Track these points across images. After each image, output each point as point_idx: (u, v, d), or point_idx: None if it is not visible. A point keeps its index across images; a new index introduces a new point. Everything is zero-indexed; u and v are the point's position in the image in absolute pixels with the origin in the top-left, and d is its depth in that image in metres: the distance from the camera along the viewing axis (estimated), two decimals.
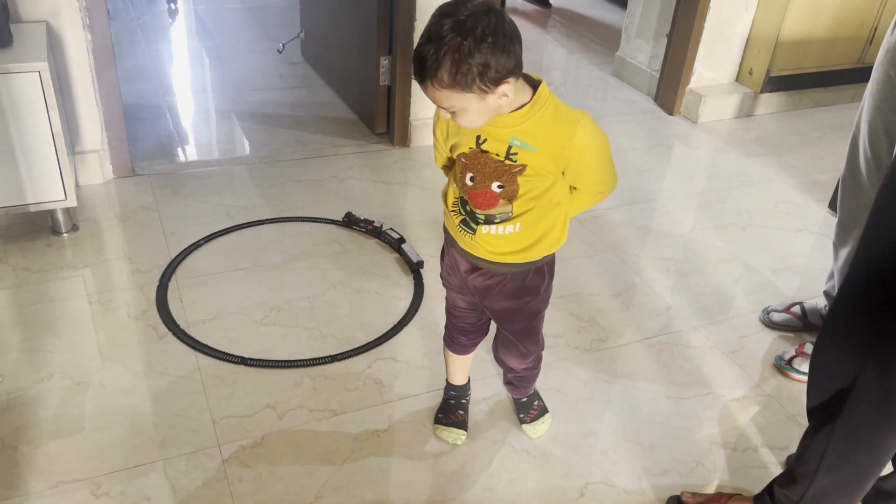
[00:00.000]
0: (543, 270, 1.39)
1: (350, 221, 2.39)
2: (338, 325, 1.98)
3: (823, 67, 3.50)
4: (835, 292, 1.99)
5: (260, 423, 1.67)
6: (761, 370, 1.95)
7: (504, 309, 1.44)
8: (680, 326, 2.08)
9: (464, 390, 1.71)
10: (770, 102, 3.50)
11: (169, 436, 1.61)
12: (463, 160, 1.27)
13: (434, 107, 1.19)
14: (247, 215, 2.41)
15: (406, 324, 2.00)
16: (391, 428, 1.69)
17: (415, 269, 2.20)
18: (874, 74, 1.75)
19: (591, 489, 1.58)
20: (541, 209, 1.27)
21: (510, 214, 1.28)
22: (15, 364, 1.77)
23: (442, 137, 1.32)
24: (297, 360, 1.84)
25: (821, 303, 2.07)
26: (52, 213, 2.20)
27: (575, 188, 1.30)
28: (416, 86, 1.15)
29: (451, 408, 1.69)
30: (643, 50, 3.64)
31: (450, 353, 1.63)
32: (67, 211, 2.22)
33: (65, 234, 2.23)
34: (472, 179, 1.27)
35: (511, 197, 1.25)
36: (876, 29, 3.46)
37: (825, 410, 1.26)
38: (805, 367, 1.90)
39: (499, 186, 1.24)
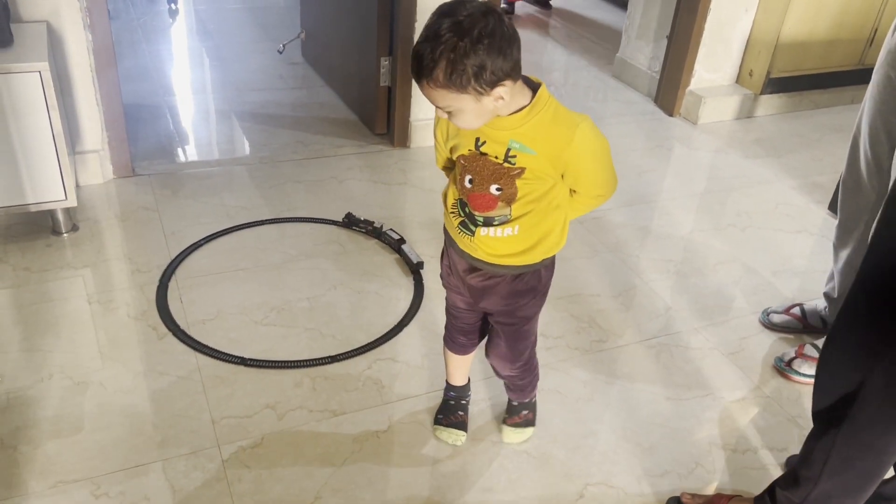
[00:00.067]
0: (541, 273, 1.39)
1: (350, 222, 2.39)
2: (338, 325, 1.98)
3: (823, 69, 3.50)
4: (835, 294, 1.99)
5: (260, 423, 1.67)
6: (761, 372, 1.95)
7: (497, 309, 1.44)
8: (680, 328, 2.08)
9: (464, 391, 1.71)
10: (770, 104, 3.50)
11: (168, 436, 1.61)
12: (462, 162, 1.27)
13: (434, 108, 1.20)
14: (247, 215, 2.41)
15: (406, 324, 2.00)
16: (391, 429, 1.69)
17: (415, 269, 2.20)
18: (875, 76, 1.75)
19: (591, 490, 1.58)
20: (540, 212, 1.27)
21: (509, 217, 1.28)
22: (15, 364, 1.77)
23: (442, 139, 1.32)
24: (297, 361, 1.84)
25: (820, 304, 2.07)
26: (52, 213, 2.20)
27: (575, 191, 1.30)
28: (416, 87, 1.15)
29: (451, 408, 1.69)
30: (643, 51, 3.64)
31: (450, 354, 1.63)
32: (67, 211, 2.22)
33: (65, 234, 2.23)
34: (470, 181, 1.27)
35: (510, 199, 1.25)
36: (876, 31, 3.46)
37: (831, 414, 1.26)
38: (805, 369, 1.90)
39: (497, 189, 1.24)
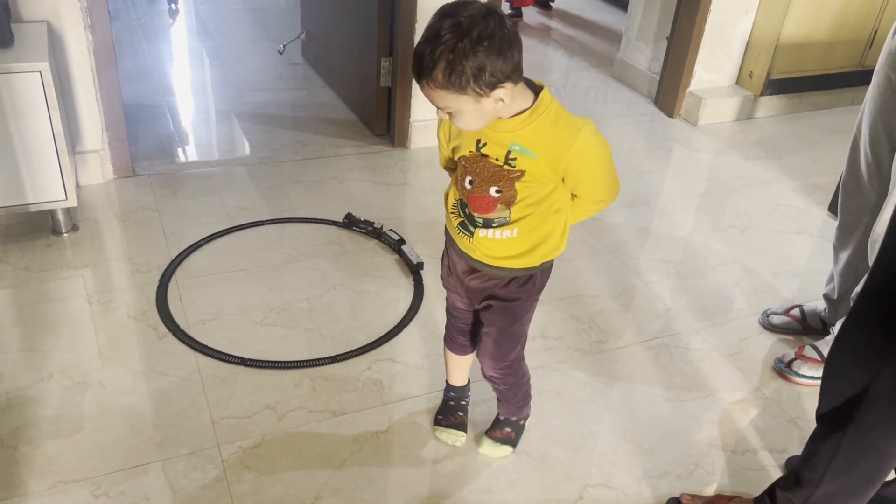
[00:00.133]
0: (536, 277, 1.38)
1: (350, 222, 2.39)
2: (338, 326, 1.98)
3: (823, 70, 3.51)
4: (835, 295, 1.99)
5: (259, 423, 1.67)
6: (761, 373, 1.95)
7: (490, 305, 1.43)
8: (679, 329, 2.08)
9: (464, 392, 1.71)
10: (770, 105, 3.50)
11: (168, 436, 1.61)
12: (463, 163, 1.27)
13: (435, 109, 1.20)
14: (247, 216, 2.41)
15: (406, 325, 2.00)
16: (391, 429, 1.69)
17: (415, 270, 2.20)
18: (875, 78, 1.75)
19: (591, 491, 1.59)
20: (539, 215, 1.27)
21: (508, 219, 1.28)
22: (15, 364, 1.77)
23: (444, 139, 1.32)
24: (297, 361, 1.85)
25: (820, 306, 2.07)
26: (52, 212, 2.20)
27: (576, 196, 1.30)
28: (416, 87, 1.15)
29: (451, 409, 1.69)
30: (643, 52, 3.64)
31: (450, 354, 1.63)
32: (68, 211, 2.22)
33: (65, 234, 2.23)
34: (470, 183, 1.27)
35: (509, 202, 1.25)
36: (876, 32, 3.46)
37: (837, 415, 1.26)
38: (804, 370, 1.91)
39: (497, 191, 1.25)
